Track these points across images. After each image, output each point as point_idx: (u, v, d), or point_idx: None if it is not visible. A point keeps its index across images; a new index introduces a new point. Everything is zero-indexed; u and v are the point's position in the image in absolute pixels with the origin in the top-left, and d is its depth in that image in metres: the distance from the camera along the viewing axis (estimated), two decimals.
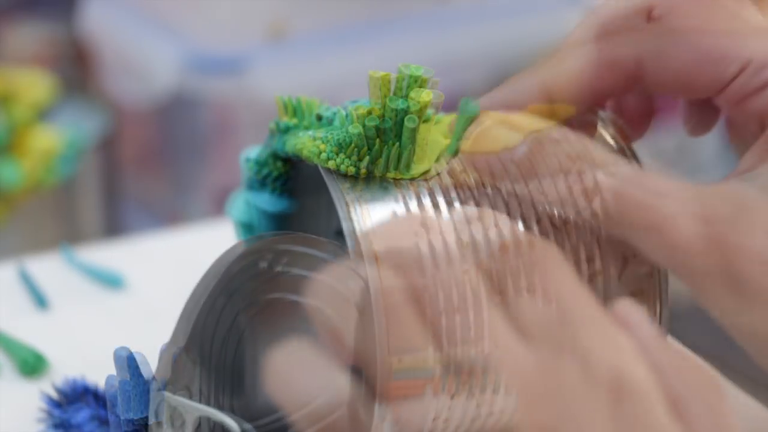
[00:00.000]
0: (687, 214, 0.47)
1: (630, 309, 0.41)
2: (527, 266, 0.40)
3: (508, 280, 0.39)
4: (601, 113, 0.55)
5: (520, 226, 0.51)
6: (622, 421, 0.37)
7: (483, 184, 0.51)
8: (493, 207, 0.51)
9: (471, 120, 0.51)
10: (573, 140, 0.49)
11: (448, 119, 0.53)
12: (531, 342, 0.38)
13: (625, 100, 0.54)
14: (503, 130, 0.50)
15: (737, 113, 0.50)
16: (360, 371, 0.47)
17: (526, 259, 0.40)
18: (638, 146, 0.55)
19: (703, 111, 0.55)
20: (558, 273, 0.40)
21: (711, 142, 1.62)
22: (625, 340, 0.39)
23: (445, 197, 0.51)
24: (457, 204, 0.50)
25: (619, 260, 0.52)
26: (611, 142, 0.54)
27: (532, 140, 0.49)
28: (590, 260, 0.52)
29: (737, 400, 0.64)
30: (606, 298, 0.52)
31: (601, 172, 0.48)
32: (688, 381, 0.39)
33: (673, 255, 0.48)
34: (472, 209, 0.51)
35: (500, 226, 0.51)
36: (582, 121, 0.53)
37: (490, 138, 0.50)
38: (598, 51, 0.51)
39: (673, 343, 0.41)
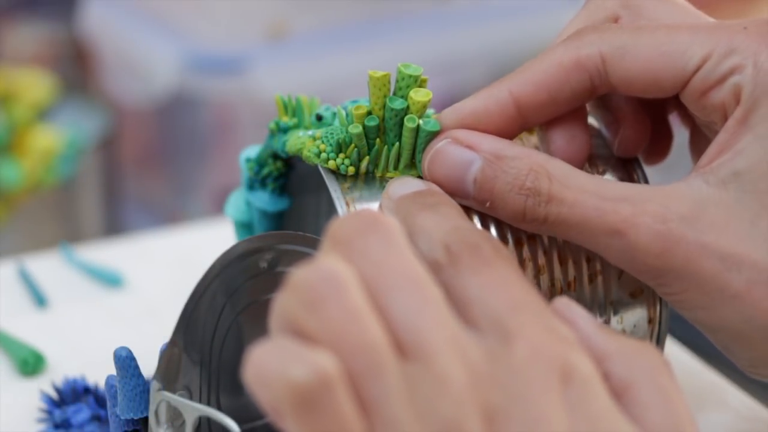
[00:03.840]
0: (645, 215, 0.48)
1: (569, 303, 0.42)
2: (477, 263, 0.40)
3: (460, 278, 0.40)
4: (596, 125, 0.55)
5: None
6: (570, 404, 0.37)
7: None
8: None
9: (431, 137, 0.51)
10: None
11: None
12: (478, 332, 0.38)
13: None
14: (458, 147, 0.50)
15: (700, 109, 0.50)
16: None
17: (478, 257, 0.41)
18: None
19: (657, 137, 0.55)
20: (503, 268, 0.40)
21: None
22: (568, 331, 0.39)
23: None
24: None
25: None
26: (606, 139, 0.54)
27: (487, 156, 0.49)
28: (590, 260, 0.52)
29: (737, 400, 0.64)
30: (606, 298, 0.52)
31: (555, 184, 0.48)
32: (637, 365, 0.40)
33: (635, 257, 0.48)
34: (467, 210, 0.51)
35: (492, 230, 0.51)
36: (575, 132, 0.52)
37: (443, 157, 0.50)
38: (563, 53, 0.51)
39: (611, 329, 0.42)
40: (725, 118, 0.49)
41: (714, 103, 0.50)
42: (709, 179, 0.48)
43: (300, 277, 0.38)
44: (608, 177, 0.53)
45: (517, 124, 0.51)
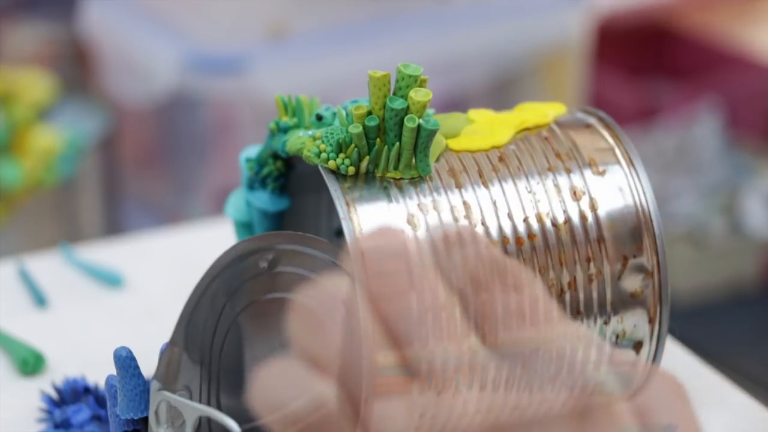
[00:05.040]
0: None
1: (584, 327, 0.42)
2: (505, 280, 0.41)
3: (487, 301, 0.41)
4: (595, 111, 0.55)
5: (522, 227, 0.51)
6: (589, 421, 0.38)
7: (485, 185, 0.51)
8: (495, 208, 0.51)
9: (432, 136, 0.51)
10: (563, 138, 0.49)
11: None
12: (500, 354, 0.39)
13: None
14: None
15: None
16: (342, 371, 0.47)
17: (508, 273, 0.41)
18: (639, 146, 0.55)
19: None
20: (531, 286, 0.41)
21: (711, 142, 1.63)
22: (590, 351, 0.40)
23: (444, 197, 0.51)
24: (456, 204, 0.51)
25: (619, 260, 0.52)
26: (605, 140, 0.54)
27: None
28: (590, 260, 0.52)
29: (737, 400, 0.64)
30: (606, 298, 0.52)
31: None
32: (653, 392, 0.40)
33: None
34: (469, 210, 0.51)
35: (492, 229, 0.51)
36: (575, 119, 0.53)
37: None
38: None
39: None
40: None
41: None
42: None
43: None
44: (605, 171, 0.53)
45: None
